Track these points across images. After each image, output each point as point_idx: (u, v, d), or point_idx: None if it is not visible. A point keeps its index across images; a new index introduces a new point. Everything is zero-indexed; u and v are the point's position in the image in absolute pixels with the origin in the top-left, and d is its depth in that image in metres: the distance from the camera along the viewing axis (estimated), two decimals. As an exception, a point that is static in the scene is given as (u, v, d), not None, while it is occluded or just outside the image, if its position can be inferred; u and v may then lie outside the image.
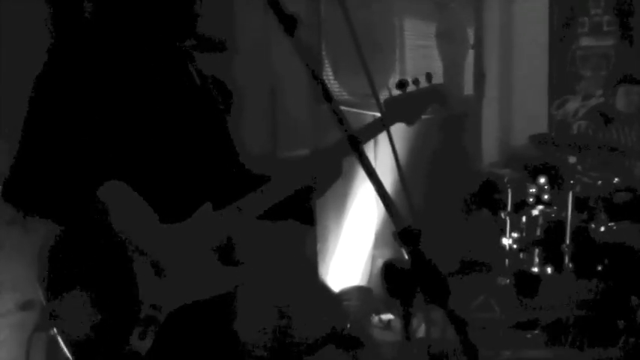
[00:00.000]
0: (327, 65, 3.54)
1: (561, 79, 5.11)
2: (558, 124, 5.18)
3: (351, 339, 3.51)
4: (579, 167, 3.99)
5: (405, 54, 4.18)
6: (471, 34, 4.98)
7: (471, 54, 5.01)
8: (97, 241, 1.35)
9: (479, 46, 5.09)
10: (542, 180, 3.89)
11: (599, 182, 3.38)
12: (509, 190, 3.66)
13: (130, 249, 1.35)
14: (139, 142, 1.40)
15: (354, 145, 1.35)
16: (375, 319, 3.84)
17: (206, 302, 1.42)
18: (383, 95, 4.38)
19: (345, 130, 1.53)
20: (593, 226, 3.31)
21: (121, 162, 1.39)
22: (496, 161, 5.12)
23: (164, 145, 1.43)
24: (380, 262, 4.16)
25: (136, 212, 1.37)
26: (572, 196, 3.21)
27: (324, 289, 3.69)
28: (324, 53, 3.49)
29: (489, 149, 5.30)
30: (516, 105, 5.30)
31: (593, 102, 4.95)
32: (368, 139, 1.56)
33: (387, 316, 3.91)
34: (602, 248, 3.28)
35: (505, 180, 3.68)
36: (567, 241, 3.23)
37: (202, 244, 1.43)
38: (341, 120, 1.13)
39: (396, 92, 1.65)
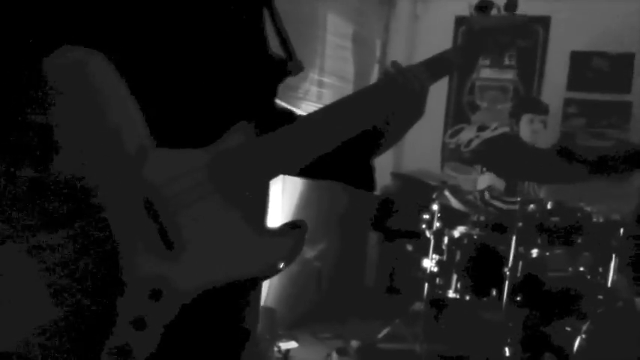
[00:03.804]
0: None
1: (458, 108, 5.05)
2: (450, 153, 5.10)
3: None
4: (486, 194, 3.87)
5: (325, 51, 3.80)
6: (378, 46, 4.74)
7: (375, 67, 4.76)
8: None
9: (383, 61, 4.86)
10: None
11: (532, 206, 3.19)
12: (437, 206, 3.37)
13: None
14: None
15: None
16: (274, 348, 3.28)
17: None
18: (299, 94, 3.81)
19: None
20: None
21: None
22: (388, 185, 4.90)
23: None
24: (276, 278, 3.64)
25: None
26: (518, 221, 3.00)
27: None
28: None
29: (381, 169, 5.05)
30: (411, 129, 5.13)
31: (487, 134, 4.93)
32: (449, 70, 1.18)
33: (287, 345, 3.37)
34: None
35: (434, 196, 3.39)
36: (509, 265, 2.99)
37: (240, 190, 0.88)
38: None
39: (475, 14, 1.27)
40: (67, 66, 0.78)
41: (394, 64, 1.07)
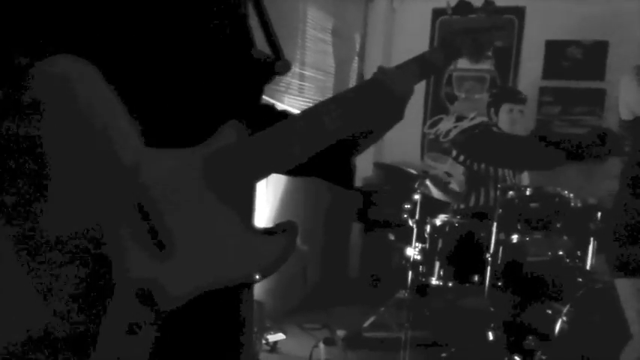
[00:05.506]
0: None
1: (437, 99, 5.11)
2: (430, 143, 5.16)
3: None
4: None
5: (305, 44, 3.82)
6: (357, 40, 4.78)
7: (355, 61, 4.80)
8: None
9: (362, 55, 4.90)
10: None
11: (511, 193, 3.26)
12: (419, 195, 3.42)
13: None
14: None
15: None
16: (262, 340, 3.32)
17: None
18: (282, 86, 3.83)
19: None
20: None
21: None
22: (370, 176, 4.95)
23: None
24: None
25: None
26: (498, 208, 3.07)
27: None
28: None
29: (363, 160, 5.09)
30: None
31: (465, 123, 4.99)
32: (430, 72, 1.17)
33: (275, 337, 3.41)
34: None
35: (416, 185, 3.44)
36: (491, 251, 3.05)
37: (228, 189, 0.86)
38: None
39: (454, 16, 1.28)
40: (56, 76, 0.76)
41: (380, 68, 1.08)
